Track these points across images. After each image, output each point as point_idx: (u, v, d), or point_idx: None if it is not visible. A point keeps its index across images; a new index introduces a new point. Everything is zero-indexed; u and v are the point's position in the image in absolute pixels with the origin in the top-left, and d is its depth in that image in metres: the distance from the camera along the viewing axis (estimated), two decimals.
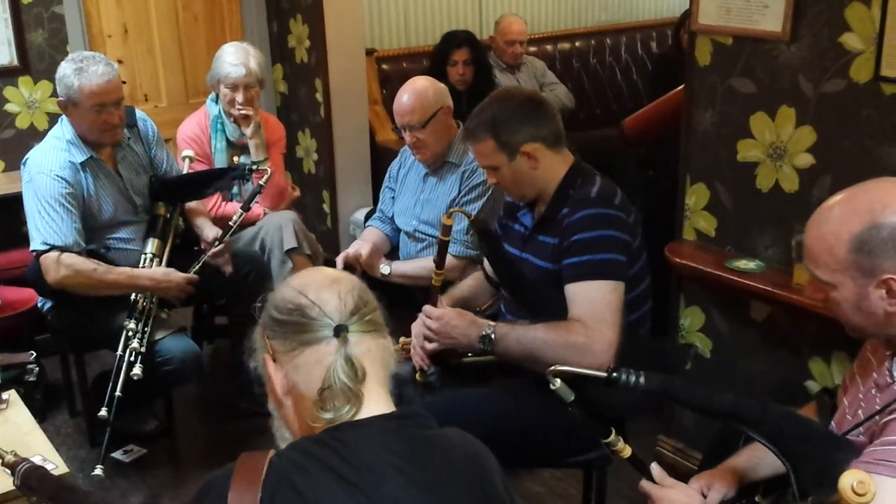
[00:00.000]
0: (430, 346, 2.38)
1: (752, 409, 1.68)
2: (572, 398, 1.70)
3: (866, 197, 1.61)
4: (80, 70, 2.96)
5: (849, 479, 1.40)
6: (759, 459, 1.88)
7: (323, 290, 1.35)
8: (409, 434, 1.31)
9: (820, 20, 2.47)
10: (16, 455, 1.80)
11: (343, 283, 1.38)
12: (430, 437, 1.34)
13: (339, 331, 1.31)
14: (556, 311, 2.22)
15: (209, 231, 3.39)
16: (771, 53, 2.60)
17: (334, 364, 1.30)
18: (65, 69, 3.00)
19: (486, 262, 2.64)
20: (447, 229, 2.42)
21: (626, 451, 1.79)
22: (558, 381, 1.69)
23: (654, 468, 1.81)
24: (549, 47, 5.64)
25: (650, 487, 1.79)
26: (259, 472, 1.23)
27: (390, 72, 4.98)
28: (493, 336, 2.25)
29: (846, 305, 1.65)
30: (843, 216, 1.60)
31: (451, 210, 2.62)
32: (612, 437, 1.77)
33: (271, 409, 1.41)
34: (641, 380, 1.68)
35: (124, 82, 3.13)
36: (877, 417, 1.65)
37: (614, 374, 1.68)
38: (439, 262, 2.46)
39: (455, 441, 1.37)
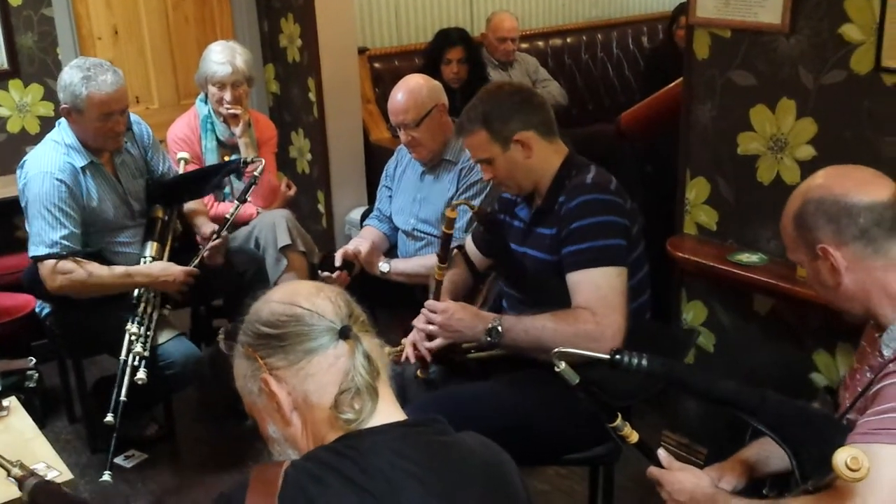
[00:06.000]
0: (433, 343, 2.36)
1: (751, 398, 1.68)
2: (577, 381, 1.68)
3: (806, 181, 1.78)
4: (88, 78, 2.87)
5: (842, 456, 1.41)
6: (770, 453, 1.88)
7: (312, 297, 1.32)
8: (425, 441, 1.29)
9: (819, 11, 2.46)
10: (22, 467, 1.71)
11: (327, 289, 1.36)
12: (447, 443, 1.31)
13: (347, 332, 1.29)
14: (559, 302, 2.21)
15: (207, 227, 3.36)
16: (770, 45, 2.60)
17: (353, 363, 1.28)
18: (71, 76, 2.90)
19: (467, 245, 2.63)
20: (451, 222, 2.40)
21: (633, 437, 1.75)
22: (563, 363, 1.67)
23: (662, 453, 1.79)
24: (540, 44, 5.63)
25: (658, 473, 1.78)
26: (275, 484, 1.20)
27: (382, 70, 4.95)
28: (499, 328, 2.24)
29: (813, 282, 1.78)
30: (790, 200, 1.78)
31: (455, 203, 2.59)
32: (618, 421, 1.73)
33: (272, 433, 1.35)
34: (644, 362, 1.67)
35: None
36: (869, 393, 1.65)
37: (617, 357, 1.67)
38: (443, 255, 2.45)
39: (473, 447, 1.34)
